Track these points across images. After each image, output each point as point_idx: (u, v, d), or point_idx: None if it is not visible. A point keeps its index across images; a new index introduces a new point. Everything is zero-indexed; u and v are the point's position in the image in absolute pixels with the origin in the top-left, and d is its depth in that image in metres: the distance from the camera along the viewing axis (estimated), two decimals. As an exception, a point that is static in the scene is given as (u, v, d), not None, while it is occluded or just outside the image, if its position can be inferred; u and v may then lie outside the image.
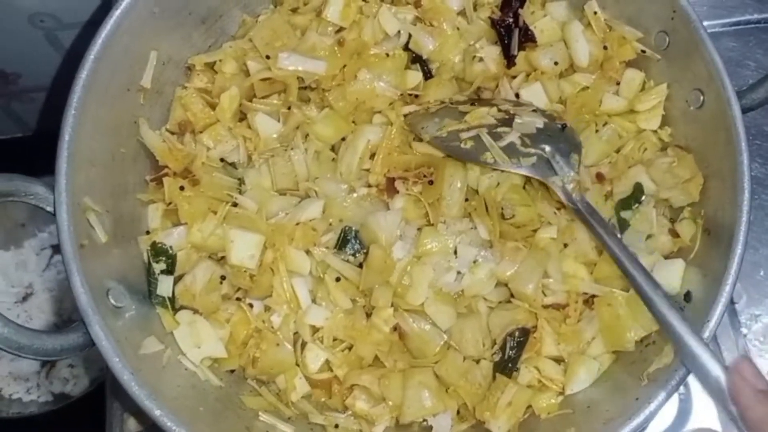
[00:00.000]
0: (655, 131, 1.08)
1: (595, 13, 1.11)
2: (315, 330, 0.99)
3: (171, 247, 0.99)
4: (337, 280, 0.99)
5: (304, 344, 0.99)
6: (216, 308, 0.98)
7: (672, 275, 0.99)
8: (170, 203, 1.02)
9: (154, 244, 0.99)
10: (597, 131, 1.07)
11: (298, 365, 0.99)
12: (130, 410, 1.00)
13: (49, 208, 0.89)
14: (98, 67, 0.93)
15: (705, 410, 1.14)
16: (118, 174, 0.99)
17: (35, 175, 1.11)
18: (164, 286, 0.98)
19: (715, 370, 0.81)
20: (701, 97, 1.01)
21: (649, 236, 1.03)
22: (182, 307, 0.99)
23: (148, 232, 1.01)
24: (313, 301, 1.00)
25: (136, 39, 0.99)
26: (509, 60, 1.11)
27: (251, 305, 0.99)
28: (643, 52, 1.09)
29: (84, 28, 1.42)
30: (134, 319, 0.91)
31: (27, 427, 1.51)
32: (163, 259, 0.98)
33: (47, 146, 0.92)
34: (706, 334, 0.89)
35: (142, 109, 1.04)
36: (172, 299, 0.98)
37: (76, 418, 1.50)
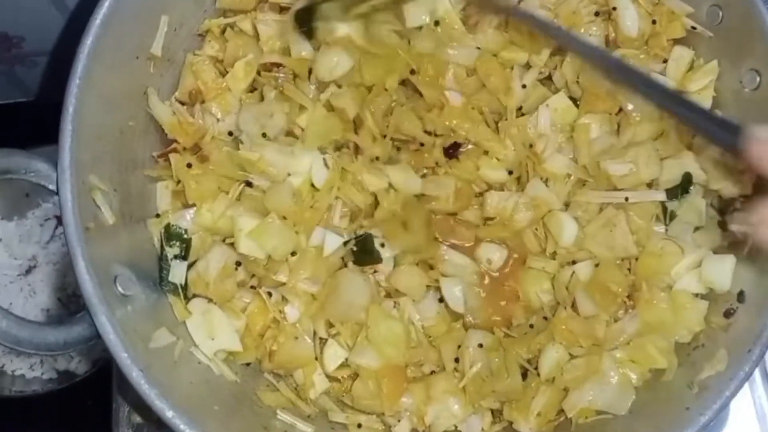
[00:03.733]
0: (705, 114, 1.01)
1: None
2: (330, 325, 0.93)
3: (186, 230, 0.92)
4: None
5: (324, 339, 0.92)
6: (231, 297, 0.92)
7: (722, 272, 0.92)
8: (179, 182, 0.94)
9: (167, 227, 0.92)
10: None
11: (317, 359, 0.93)
12: (135, 405, 0.93)
13: (52, 187, 0.82)
14: (105, 33, 0.85)
15: (742, 415, 1.08)
16: (127, 149, 0.92)
17: (37, 143, 1.04)
18: (177, 272, 0.91)
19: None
20: (758, 78, 0.94)
21: (696, 228, 0.96)
22: (195, 296, 0.92)
23: (158, 215, 0.94)
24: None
25: (145, 2, 0.91)
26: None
27: (270, 294, 0.92)
28: (694, 28, 1.01)
29: (90, -11, 1.34)
30: (143, 309, 0.84)
31: (29, 406, 1.46)
32: (177, 243, 0.91)
33: (50, 113, 0.85)
34: (764, 340, 0.82)
35: (152, 79, 0.96)
36: (185, 287, 0.91)
37: (80, 398, 1.44)
